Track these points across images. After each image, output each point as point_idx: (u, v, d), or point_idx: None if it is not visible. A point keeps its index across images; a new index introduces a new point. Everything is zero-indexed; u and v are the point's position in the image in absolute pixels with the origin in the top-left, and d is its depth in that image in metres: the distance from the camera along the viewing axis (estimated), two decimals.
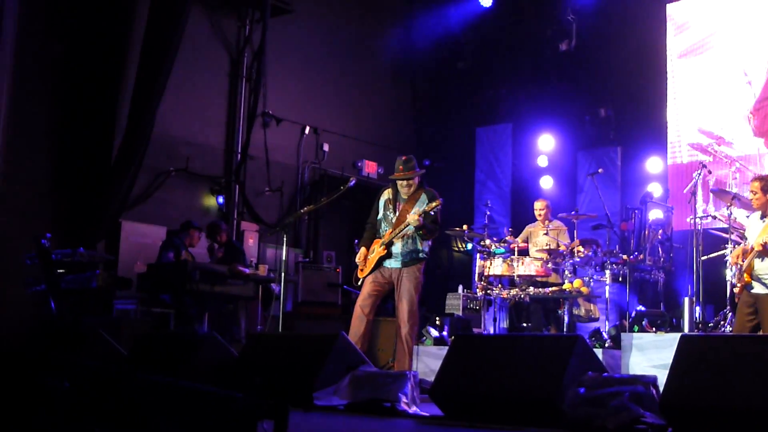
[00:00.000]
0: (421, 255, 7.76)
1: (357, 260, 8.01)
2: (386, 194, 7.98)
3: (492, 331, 10.07)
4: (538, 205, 10.91)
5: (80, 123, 11.32)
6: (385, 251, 7.73)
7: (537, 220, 10.93)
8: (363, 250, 7.94)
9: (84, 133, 11.34)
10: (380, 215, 7.96)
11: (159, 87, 11.20)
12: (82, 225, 10.85)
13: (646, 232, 10.58)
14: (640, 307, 10.35)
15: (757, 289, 7.18)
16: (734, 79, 12.09)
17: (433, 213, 7.64)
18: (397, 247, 7.73)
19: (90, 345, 7.58)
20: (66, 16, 11.28)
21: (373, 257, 7.80)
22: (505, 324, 10.59)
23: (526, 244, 10.62)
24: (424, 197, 7.78)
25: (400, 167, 7.81)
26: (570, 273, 9.89)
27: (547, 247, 10.13)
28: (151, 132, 11.27)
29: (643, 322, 9.59)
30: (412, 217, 7.57)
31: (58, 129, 11.20)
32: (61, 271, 9.23)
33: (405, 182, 7.79)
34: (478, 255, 10.73)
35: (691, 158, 12.21)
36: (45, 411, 2.79)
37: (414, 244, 7.74)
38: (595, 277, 9.91)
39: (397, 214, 7.80)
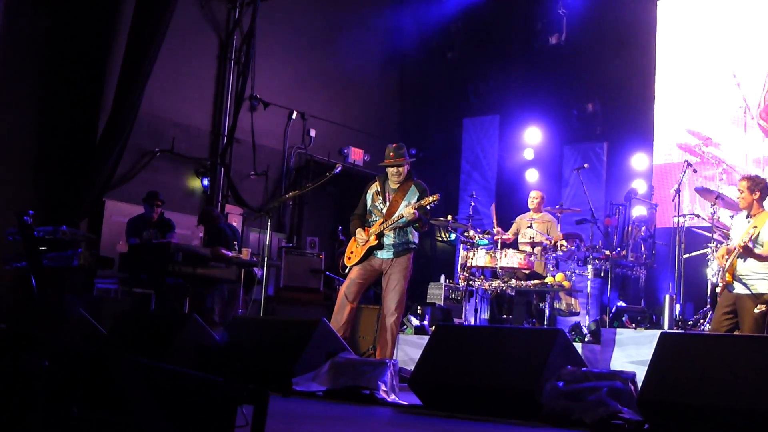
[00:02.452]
0: (411, 245, 7.76)
1: (348, 251, 7.97)
2: (374, 186, 7.95)
3: (473, 322, 10.09)
4: (534, 194, 10.88)
5: (66, 100, 11.24)
6: (376, 241, 7.71)
7: (529, 210, 10.86)
8: (353, 240, 7.91)
9: (69, 111, 11.26)
10: (368, 207, 7.92)
11: (146, 67, 11.13)
12: (66, 203, 10.79)
13: (630, 229, 10.63)
14: (621, 303, 10.40)
15: (738, 289, 7.20)
16: (723, 80, 12.09)
17: (429, 208, 7.65)
18: (389, 238, 7.70)
19: (70, 324, 7.55)
20: None
21: (363, 247, 7.75)
22: (486, 315, 10.61)
23: (511, 237, 10.59)
24: (414, 189, 7.76)
25: (391, 154, 7.80)
26: (552, 267, 9.92)
27: (531, 240, 10.15)
28: (137, 112, 11.21)
29: (624, 318, 9.64)
30: (408, 210, 7.52)
31: (43, 106, 11.12)
32: (43, 248, 9.18)
33: (395, 169, 7.76)
34: (461, 245, 10.74)
35: (676, 157, 12.24)
36: (24, 389, 2.77)
37: (405, 235, 7.73)
38: (577, 271, 9.94)
39: (388, 204, 7.78)
